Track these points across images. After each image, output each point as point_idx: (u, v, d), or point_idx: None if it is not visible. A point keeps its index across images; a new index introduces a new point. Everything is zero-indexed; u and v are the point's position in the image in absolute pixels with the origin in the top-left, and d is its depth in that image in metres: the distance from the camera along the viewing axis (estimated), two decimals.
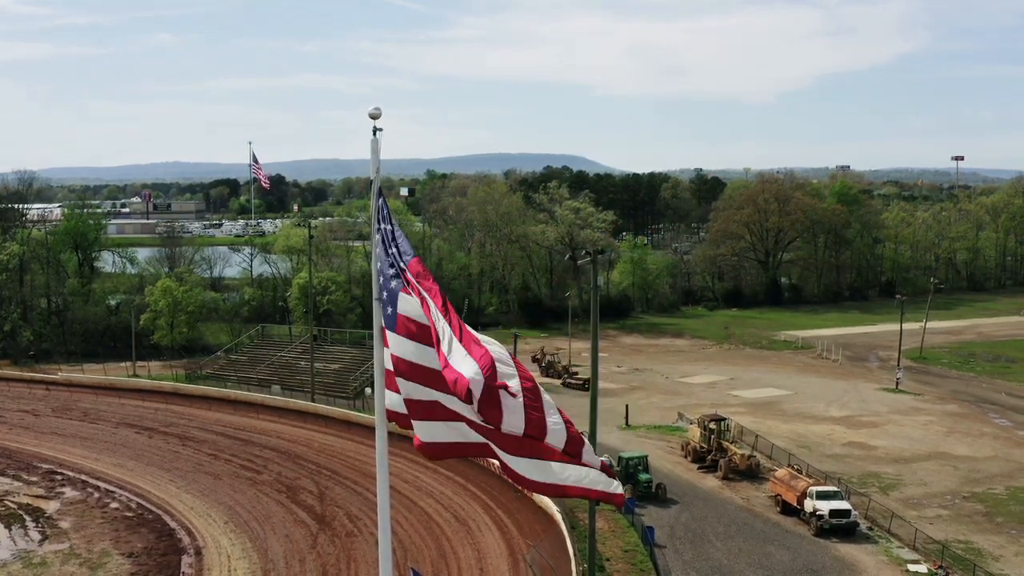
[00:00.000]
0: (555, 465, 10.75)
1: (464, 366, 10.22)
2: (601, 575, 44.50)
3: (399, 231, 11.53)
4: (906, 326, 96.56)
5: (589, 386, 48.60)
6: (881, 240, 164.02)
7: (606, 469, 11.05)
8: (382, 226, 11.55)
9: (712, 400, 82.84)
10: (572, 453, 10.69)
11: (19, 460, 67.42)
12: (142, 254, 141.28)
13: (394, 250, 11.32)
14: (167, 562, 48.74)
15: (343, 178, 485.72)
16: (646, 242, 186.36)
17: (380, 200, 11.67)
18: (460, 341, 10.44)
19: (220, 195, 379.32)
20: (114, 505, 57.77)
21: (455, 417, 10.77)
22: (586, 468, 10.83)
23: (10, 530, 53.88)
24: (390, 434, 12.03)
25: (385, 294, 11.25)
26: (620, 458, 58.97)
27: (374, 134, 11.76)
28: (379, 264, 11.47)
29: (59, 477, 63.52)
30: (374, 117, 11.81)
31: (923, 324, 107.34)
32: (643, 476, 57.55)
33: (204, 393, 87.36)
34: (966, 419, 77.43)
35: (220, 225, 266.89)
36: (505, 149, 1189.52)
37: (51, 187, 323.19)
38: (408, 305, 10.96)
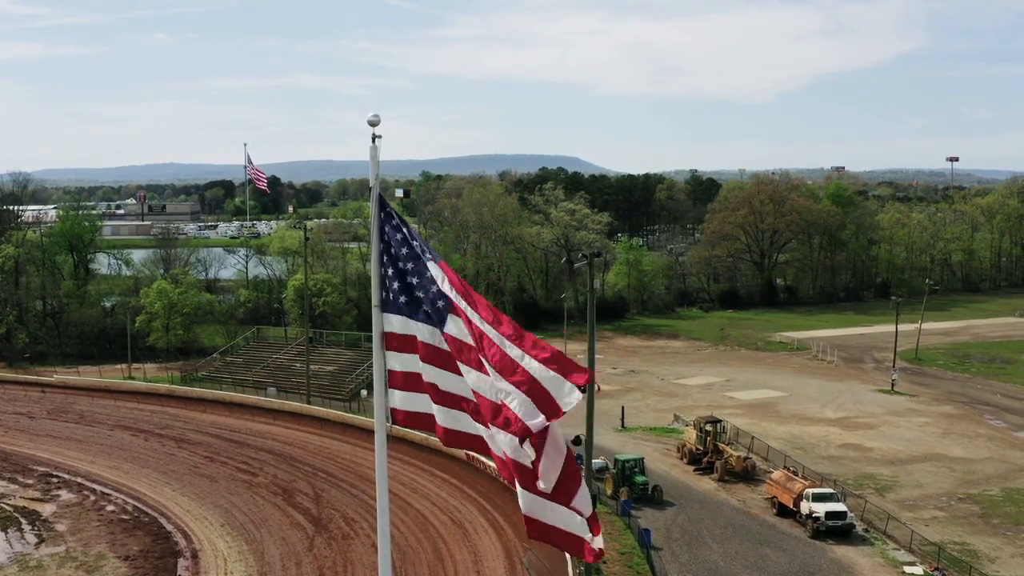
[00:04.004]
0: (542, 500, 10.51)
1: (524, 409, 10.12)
2: None
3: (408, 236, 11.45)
4: (901, 327, 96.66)
5: (585, 389, 48.58)
6: (876, 241, 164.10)
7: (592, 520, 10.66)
8: (391, 234, 11.47)
9: (708, 402, 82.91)
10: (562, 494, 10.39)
11: (15, 463, 67.36)
12: (137, 256, 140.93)
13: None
14: (163, 565, 48.76)
15: (338, 179, 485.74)
16: (641, 243, 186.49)
17: (387, 209, 11.60)
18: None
19: (215, 196, 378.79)
20: (110, 508, 57.74)
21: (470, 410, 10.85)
22: (572, 512, 10.48)
23: (6, 533, 53.83)
24: (387, 436, 12.04)
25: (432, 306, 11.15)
26: (616, 460, 59.02)
27: (373, 141, 11.61)
28: (398, 267, 11.40)
29: (55, 480, 63.47)
30: (373, 124, 11.61)
31: (918, 325, 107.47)
32: (639, 478, 57.60)
33: (200, 395, 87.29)
34: (962, 420, 77.55)
35: (215, 227, 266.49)
36: (500, 150, 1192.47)
37: (45, 188, 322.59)
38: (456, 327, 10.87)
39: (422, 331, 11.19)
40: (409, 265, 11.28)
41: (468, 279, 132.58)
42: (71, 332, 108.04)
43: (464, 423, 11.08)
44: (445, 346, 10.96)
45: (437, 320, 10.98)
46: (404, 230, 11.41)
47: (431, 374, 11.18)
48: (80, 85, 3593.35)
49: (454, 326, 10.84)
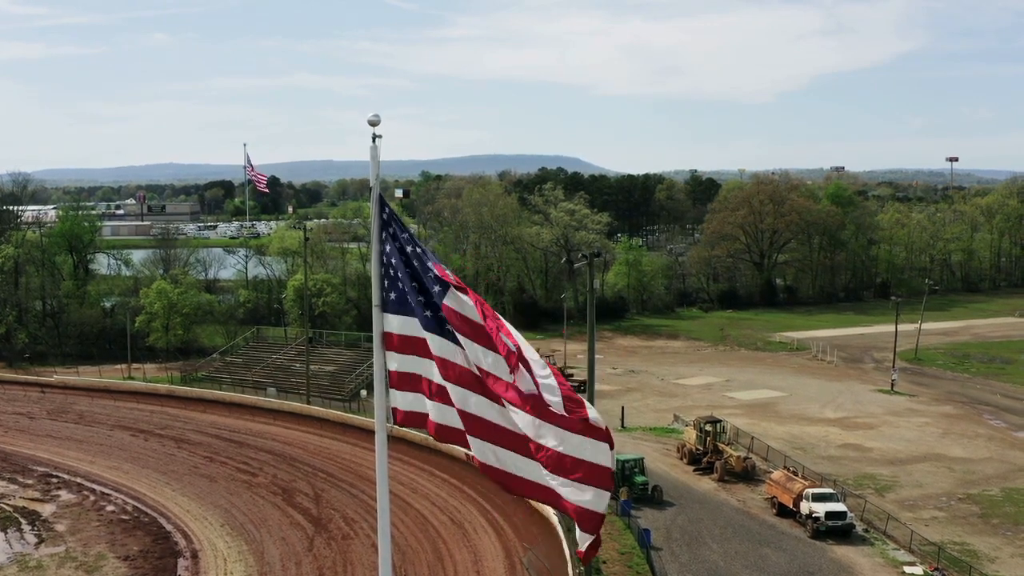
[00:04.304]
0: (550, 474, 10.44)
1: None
2: None
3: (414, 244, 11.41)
4: (901, 327, 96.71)
5: (585, 388, 48.64)
6: (876, 241, 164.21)
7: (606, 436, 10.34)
8: (392, 234, 11.45)
9: (708, 402, 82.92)
10: (572, 411, 10.18)
11: (15, 463, 67.34)
12: (137, 256, 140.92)
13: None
14: (163, 565, 48.76)
15: (338, 179, 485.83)
16: (641, 243, 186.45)
17: (387, 210, 11.58)
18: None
19: (215, 197, 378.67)
20: (110, 508, 57.74)
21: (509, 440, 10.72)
22: (593, 440, 10.15)
23: (6, 533, 53.83)
24: (387, 437, 12.03)
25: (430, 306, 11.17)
26: (616, 460, 58.93)
27: (373, 141, 11.58)
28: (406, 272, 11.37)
29: (55, 480, 63.46)
30: (373, 124, 11.57)
31: (918, 325, 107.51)
32: (639, 478, 57.61)
33: (199, 395, 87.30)
34: (961, 420, 77.58)
35: (215, 227, 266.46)
36: (500, 150, 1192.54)
37: (45, 188, 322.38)
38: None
39: (428, 337, 11.14)
40: (407, 265, 11.28)
41: (468, 279, 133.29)
42: (71, 332, 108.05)
43: (508, 462, 10.83)
44: (449, 354, 10.94)
45: (438, 323, 10.98)
46: (405, 231, 11.42)
47: (454, 392, 11.07)
48: (80, 85, 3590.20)
49: (454, 328, 10.85)
